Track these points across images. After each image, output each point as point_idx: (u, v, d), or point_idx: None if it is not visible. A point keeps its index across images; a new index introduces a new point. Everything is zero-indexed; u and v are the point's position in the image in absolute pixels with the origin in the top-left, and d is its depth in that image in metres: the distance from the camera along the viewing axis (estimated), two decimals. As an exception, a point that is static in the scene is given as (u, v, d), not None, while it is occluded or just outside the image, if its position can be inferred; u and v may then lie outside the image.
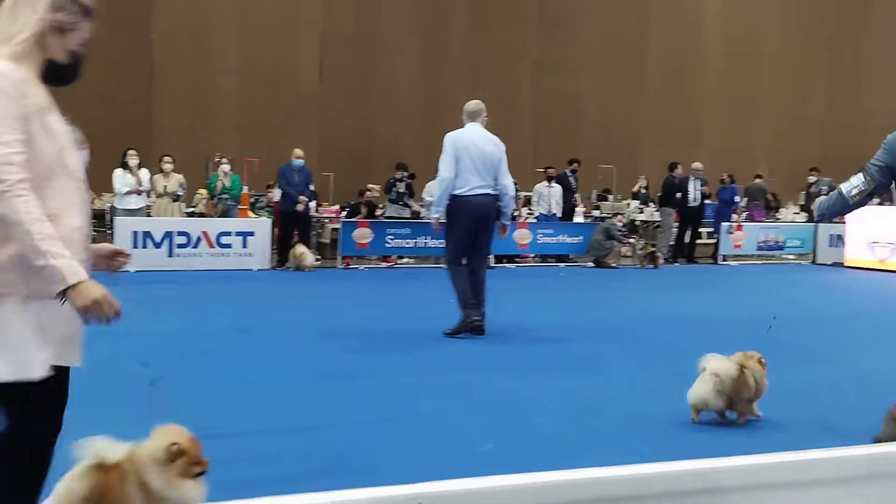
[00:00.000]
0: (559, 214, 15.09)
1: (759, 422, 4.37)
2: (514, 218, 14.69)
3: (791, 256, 16.24)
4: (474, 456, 3.73)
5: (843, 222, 15.60)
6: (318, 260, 13.32)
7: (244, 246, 12.51)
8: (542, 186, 15.24)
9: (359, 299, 9.62)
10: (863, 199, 3.93)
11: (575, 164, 15.47)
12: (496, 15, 20.17)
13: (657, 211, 16.12)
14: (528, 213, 15.67)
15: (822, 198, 4.36)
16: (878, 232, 14.37)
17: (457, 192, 6.78)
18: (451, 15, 19.85)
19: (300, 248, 12.47)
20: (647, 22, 21.58)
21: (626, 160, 19.72)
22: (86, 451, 2.40)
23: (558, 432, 4.14)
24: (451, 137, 6.93)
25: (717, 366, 4.25)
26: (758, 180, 18.22)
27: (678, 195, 15.07)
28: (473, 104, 7.18)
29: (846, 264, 14.82)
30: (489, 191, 6.80)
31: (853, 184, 4.00)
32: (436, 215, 7.16)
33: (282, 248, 12.89)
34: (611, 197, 18.39)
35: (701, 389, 4.24)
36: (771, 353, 4.56)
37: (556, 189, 15.11)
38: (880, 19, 23.80)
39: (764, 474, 1.46)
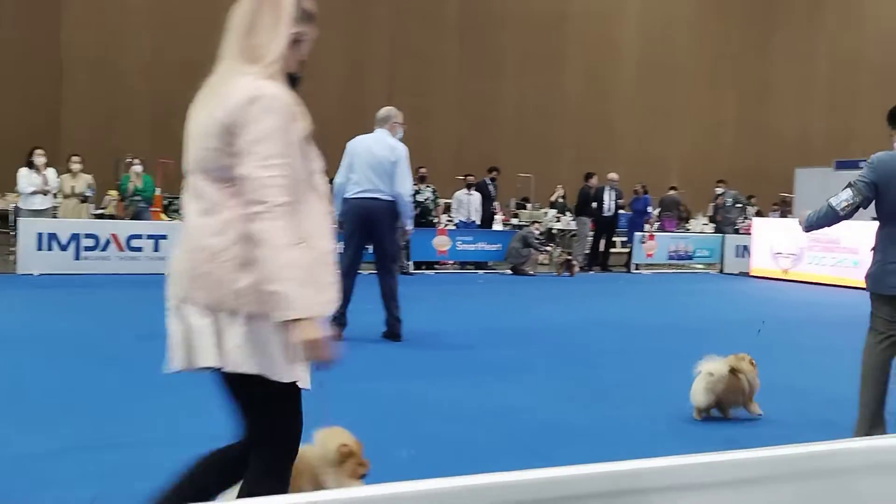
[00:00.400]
0: (478, 222, 15.21)
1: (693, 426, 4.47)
2: (433, 224, 14.76)
3: (700, 266, 16.78)
4: (391, 463, 3.70)
5: (749, 234, 16.25)
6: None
7: (156, 249, 12.14)
8: (461, 194, 15.33)
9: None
10: (851, 211, 4.33)
11: (494, 173, 15.62)
12: (420, 17, 20.24)
13: (573, 220, 16.41)
14: (448, 220, 15.74)
15: (811, 211, 4.60)
16: (782, 243, 14.99)
17: (346, 195, 6.86)
18: (374, 17, 19.81)
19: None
20: (565, 34, 22.02)
21: (545, 169, 20.05)
22: None
23: (474, 438, 4.15)
24: (349, 143, 7.02)
25: (711, 367, 4.60)
26: (672, 192, 18.78)
27: (594, 205, 15.40)
28: (383, 111, 7.21)
29: (752, 274, 15.39)
30: (379, 195, 6.76)
31: (842, 198, 4.37)
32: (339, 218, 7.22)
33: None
34: (529, 205, 18.65)
35: (696, 388, 4.62)
36: (671, 358, 4.67)
37: (476, 197, 15.23)
38: (785, 38, 24.93)
39: (670, 476, 1.48)
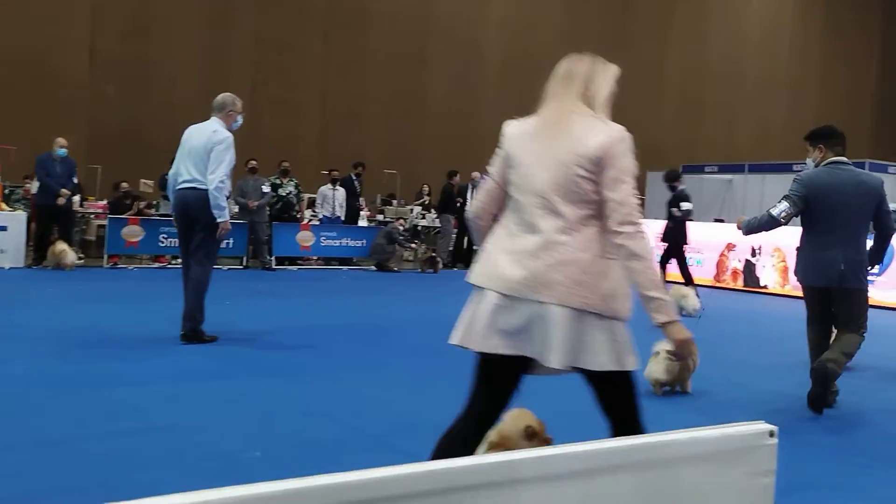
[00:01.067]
0: (343, 217, 15.09)
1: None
2: (297, 219, 14.52)
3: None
4: (241, 464, 3.61)
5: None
6: (81, 259, 12.38)
7: (-8, 242, 11.35)
8: (326, 189, 15.16)
9: (122, 301, 9.02)
10: (789, 219, 5.25)
11: (360, 168, 15.54)
12: (284, 10, 19.84)
13: (437, 217, 16.58)
14: (312, 216, 15.53)
15: (749, 218, 5.52)
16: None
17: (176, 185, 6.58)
18: (236, 6, 19.24)
19: (60, 246, 11.50)
20: (430, 34, 22.17)
21: (411, 166, 20.13)
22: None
23: (328, 435, 4.11)
24: (184, 133, 6.72)
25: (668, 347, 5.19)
26: None
27: (458, 202, 15.61)
28: (219, 98, 6.80)
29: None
30: (195, 185, 6.42)
31: (781, 208, 5.24)
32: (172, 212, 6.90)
33: (39, 245, 11.83)
34: (395, 202, 18.68)
35: (655, 368, 5.33)
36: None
37: (341, 192, 15.10)
38: (638, 46, 26.14)
39: (503, 472, 1.50)
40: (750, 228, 5.46)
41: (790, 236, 13.39)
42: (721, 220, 19.10)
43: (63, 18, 17.19)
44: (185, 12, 18.47)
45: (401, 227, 15.00)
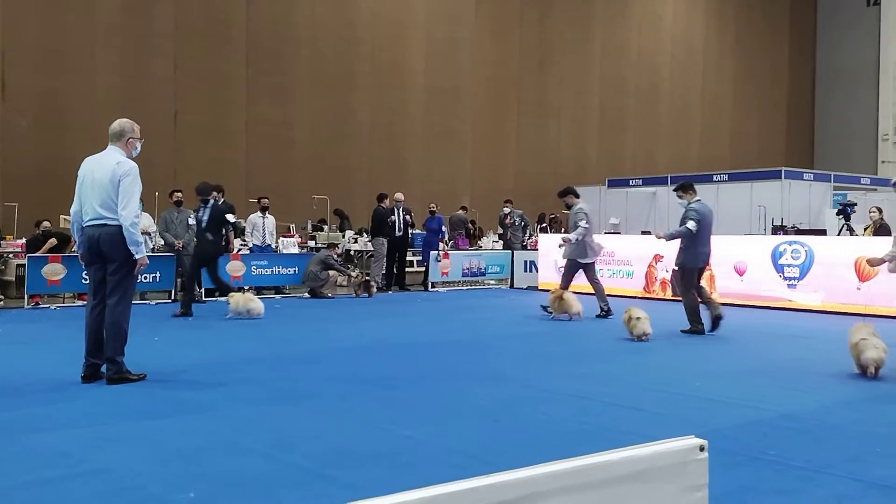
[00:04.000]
0: (273, 245, 14.90)
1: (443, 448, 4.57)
2: (227, 250, 14.26)
3: (492, 281, 17.46)
4: (172, 507, 3.49)
5: (536, 250, 17.14)
6: (0, 300, 11.90)
7: None
8: (256, 217, 14.96)
9: (44, 342, 8.70)
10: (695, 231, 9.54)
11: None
12: (205, 37, 19.58)
13: (370, 241, 16.52)
14: (242, 244, 15.29)
15: (668, 231, 10.37)
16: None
17: (82, 223, 6.31)
18: (153, 34, 18.89)
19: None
20: (353, 58, 22.17)
21: (339, 191, 20.04)
22: None
23: (260, 472, 4.00)
24: (80, 166, 6.40)
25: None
26: (460, 211, 19.45)
27: (390, 224, 15.62)
28: (116, 124, 6.44)
29: (540, 287, 16.22)
30: (103, 221, 6.15)
31: (692, 226, 9.52)
32: (76, 251, 6.65)
33: (-47, 288, 11.34)
34: (326, 227, 18.54)
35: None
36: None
37: (270, 220, 14.92)
38: (560, 62, 26.66)
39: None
40: (672, 237, 9.91)
41: (716, 246, 13.81)
42: (647, 232, 19.55)
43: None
44: (100, 42, 18.05)
45: (335, 254, 14.88)
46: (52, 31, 17.44)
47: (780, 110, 34.39)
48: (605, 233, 19.30)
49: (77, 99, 17.67)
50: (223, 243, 12.03)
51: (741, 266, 13.35)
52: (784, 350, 8.55)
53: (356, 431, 4.85)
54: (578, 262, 11.47)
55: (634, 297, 14.34)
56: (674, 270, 11.03)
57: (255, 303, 10.68)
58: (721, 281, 13.49)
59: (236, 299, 10.65)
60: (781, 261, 12.90)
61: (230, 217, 11.77)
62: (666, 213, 21.31)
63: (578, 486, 1.69)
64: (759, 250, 13.29)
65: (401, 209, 15.96)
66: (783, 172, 22.10)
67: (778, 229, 17.86)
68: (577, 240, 11.24)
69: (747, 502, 3.65)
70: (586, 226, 11.23)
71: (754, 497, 3.72)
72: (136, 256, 6.23)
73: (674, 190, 10.69)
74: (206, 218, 11.42)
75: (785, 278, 12.83)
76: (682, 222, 9.65)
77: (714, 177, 23.08)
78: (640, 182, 24.79)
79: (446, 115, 24.00)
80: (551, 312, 11.10)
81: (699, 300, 9.61)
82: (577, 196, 11.81)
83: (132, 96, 18.08)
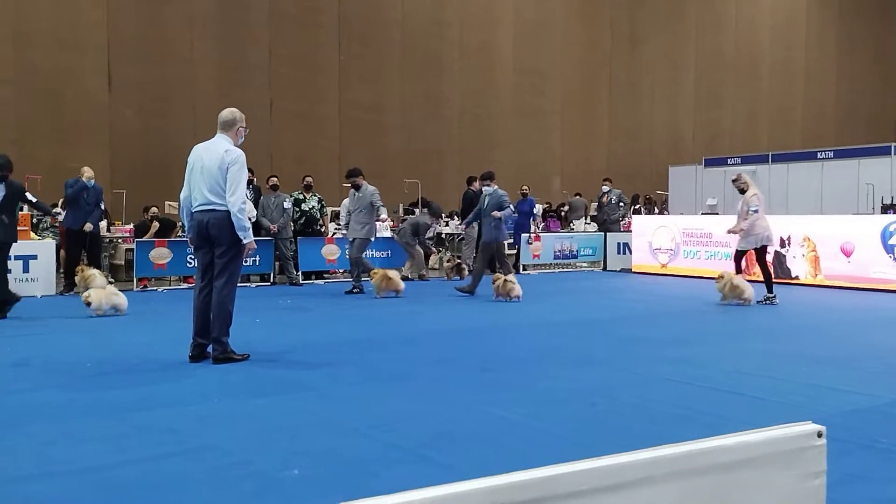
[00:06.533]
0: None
1: (541, 430, 4.55)
2: (321, 233, 14.55)
3: (584, 264, 17.25)
4: (279, 483, 3.60)
5: (630, 231, 16.84)
6: (111, 283, 12.48)
7: (26, 270, 11.49)
8: (348, 201, 15.18)
9: (153, 323, 9.09)
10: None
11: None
12: (297, 25, 19.96)
13: (460, 224, 16.54)
14: (336, 229, 15.55)
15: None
16: (659, 240, 15.60)
17: (192, 208, 6.54)
18: (249, 24, 19.38)
19: (88, 271, 11.60)
20: (443, 41, 22.20)
21: (431, 174, 20.15)
22: None
23: (361, 451, 4.08)
24: (190, 153, 6.66)
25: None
26: (577, 196, 19.47)
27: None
28: (227, 113, 6.69)
29: (634, 270, 15.94)
30: (212, 206, 6.38)
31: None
32: (186, 235, 6.89)
33: (69, 272, 11.97)
34: (417, 210, 18.67)
35: None
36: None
37: (363, 204, 15.08)
38: (652, 41, 26.00)
39: (545, 488, 1.48)
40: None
41: (822, 226, 13.21)
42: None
43: (81, 46, 17.41)
44: (198, 33, 18.64)
45: (430, 222, 14.96)
46: (153, 25, 18.12)
47: (889, 83, 32.60)
48: (702, 213, 18.79)
49: (178, 89, 18.32)
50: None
51: (848, 247, 12.77)
52: (896, 334, 8.15)
53: (452, 412, 4.88)
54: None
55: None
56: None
57: (120, 297, 9.55)
58: (827, 262, 12.94)
59: (97, 295, 9.41)
60: (892, 241, 12.27)
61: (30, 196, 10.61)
62: (767, 192, 20.54)
63: (690, 472, 1.65)
64: (868, 230, 12.66)
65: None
66: (893, 148, 20.98)
67: (888, 208, 16.99)
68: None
69: (858, 491, 3.50)
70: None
71: (865, 486, 3.57)
72: (244, 241, 6.45)
73: (479, 179, 12.40)
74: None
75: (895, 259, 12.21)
76: (497, 208, 11.65)
77: (818, 154, 22.12)
78: (739, 160, 23.96)
79: (536, 97, 23.78)
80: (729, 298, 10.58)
81: None
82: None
83: (229, 85, 18.63)
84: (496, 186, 12.05)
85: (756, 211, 10.65)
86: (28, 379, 5.90)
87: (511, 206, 12.16)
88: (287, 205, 13.80)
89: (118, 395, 5.36)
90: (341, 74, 20.67)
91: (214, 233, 6.41)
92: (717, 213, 19.00)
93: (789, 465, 1.79)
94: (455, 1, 22.40)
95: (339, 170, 19.25)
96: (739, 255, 11.14)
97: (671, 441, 1.76)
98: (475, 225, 15.72)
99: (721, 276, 10.74)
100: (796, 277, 13.38)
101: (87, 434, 4.43)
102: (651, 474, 1.62)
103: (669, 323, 9.10)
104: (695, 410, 4.92)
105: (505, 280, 11.00)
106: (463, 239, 16.33)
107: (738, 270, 10.98)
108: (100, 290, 9.63)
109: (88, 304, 9.26)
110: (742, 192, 11.00)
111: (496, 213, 11.71)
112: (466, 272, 14.73)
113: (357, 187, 12.21)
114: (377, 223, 12.54)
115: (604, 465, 1.54)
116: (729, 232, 11.19)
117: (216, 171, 6.38)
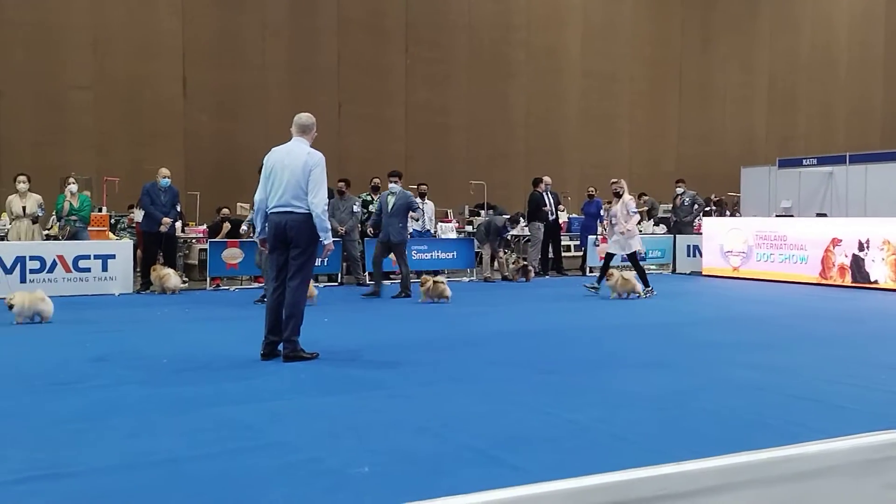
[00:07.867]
0: (433, 230, 15.19)
1: (618, 435, 4.50)
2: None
3: (653, 266, 16.98)
4: (351, 480, 3.65)
5: (700, 233, 16.53)
6: (185, 282, 12.85)
7: (104, 269, 11.92)
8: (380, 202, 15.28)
9: (225, 322, 9.32)
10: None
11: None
12: (364, 31, 20.20)
13: (527, 226, 16.50)
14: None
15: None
16: (731, 242, 15.26)
17: (268, 210, 6.69)
18: (318, 30, 19.69)
19: (164, 270, 11.98)
20: (510, 44, 22.15)
21: (497, 176, 20.13)
22: None
23: (431, 450, 4.11)
24: (266, 156, 6.80)
25: None
26: (647, 197, 19.36)
27: (544, 210, 15.57)
28: (304, 117, 6.85)
29: (704, 273, 15.63)
30: (290, 208, 6.52)
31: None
32: (257, 237, 7.04)
33: (145, 271, 12.36)
34: (483, 212, 18.68)
35: None
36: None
37: (430, 205, 15.20)
38: (723, 42, 25.45)
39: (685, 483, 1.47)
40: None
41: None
42: (823, 215, 18.37)
43: (157, 53, 17.95)
44: (269, 40, 19.02)
45: (506, 225, 14.88)
46: (226, 31, 18.57)
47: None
48: (776, 216, 18.31)
49: (250, 94, 18.72)
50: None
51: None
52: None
53: (520, 414, 4.87)
54: None
55: (809, 284, 13.54)
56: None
57: (46, 303, 8.82)
58: (908, 267, 12.46)
59: (21, 299, 8.68)
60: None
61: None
62: (844, 194, 19.89)
63: (771, 479, 1.62)
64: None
65: (548, 193, 15.89)
66: (980, 148, 20.07)
67: (975, 211, 16.26)
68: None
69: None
70: None
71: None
72: (325, 242, 6.63)
73: (388, 176, 12.15)
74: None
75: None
76: (407, 208, 11.79)
77: (899, 154, 21.31)
78: (815, 161, 23.23)
79: (604, 99, 23.52)
80: None
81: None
82: None
83: (299, 89, 18.95)
84: (401, 186, 12.28)
85: (636, 213, 11.89)
86: (109, 374, 6.11)
87: (419, 204, 12.79)
88: (356, 208, 13.97)
89: (194, 391, 5.52)
90: (408, 78, 20.82)
91: (292, 234, 6.55)
92: (792, 216, 18.48)
93: (874, 473, 1.74)
94: (522, 3, 22.33)
95: (406, 171, 19.39)
96: (609, 258, 12.11)
97: (747, 448, 1.73)
98: (540, 226, 15.67)
99: (612, 274, 11.48)
100: (875, 282, 12.92)
101: (166, 428, 4.57)
102: (730, 481, 1.60)
103: (742, 327, 8.90)
104: (771, 417, 4.80)
105: (435, 282, 11.07)
106: (529, 241, 16.28)
107: (604, 274, 11.80)
108: (24, 293, 8.84)
109: (11, 307, 8.59)
110: (618, 195, 11.98)
111: (414, 215, 12.63)
112: (532, 274, 14.68)
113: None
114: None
115: (682, 471, 1.53)
116: (615, 234, 11.86)
117: (299, 174, 6.52)
